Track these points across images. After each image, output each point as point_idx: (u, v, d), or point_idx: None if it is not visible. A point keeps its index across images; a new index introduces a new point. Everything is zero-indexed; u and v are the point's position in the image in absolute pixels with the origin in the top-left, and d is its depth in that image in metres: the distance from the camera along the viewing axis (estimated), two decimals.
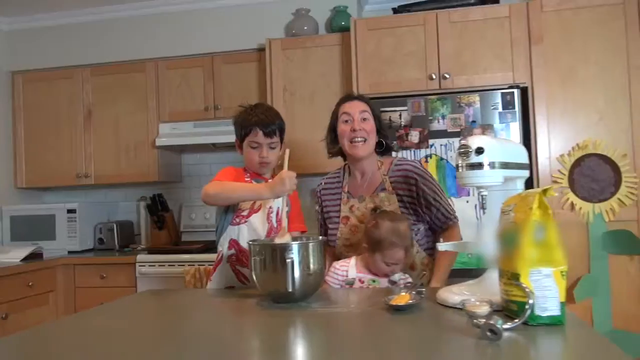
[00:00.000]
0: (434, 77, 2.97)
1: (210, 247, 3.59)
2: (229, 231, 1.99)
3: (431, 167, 2.83)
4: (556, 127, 2.84)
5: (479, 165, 1.49)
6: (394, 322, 1.35)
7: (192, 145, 3.89)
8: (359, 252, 1.96)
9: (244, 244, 1.97)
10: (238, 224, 1.98)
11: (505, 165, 1.51)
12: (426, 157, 2.86)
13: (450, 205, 2.04)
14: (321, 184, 2.21)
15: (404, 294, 1.49)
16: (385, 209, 1.93)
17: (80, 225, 3.79)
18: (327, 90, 3.28)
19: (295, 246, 1.56)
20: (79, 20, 3.89)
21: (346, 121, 2.03)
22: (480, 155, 1.48)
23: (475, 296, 1.43)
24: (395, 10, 3.17)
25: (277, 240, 1.74)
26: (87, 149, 3.83)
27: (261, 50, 3.54)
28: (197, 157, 4.05)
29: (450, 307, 1.45)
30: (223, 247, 2.01)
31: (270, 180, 1.89)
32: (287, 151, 1.85)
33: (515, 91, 2.82)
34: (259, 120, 1.99)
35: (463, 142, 1.50)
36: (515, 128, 2.80)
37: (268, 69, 3.37)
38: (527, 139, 2.86)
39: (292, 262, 1.52)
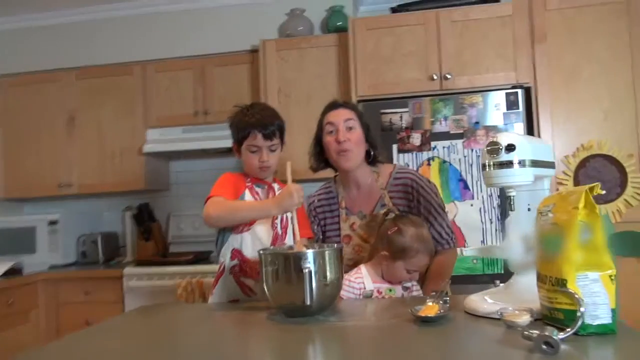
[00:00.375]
0: (435, 77, 2.87)
1: (201, 257, 3.45)
2: (231, 240, 1.85)
3: (434, 171, 2.73)
4: (560, 127, 2.77)
5: (509, 164, 1.39)
6: (425, 335, 1.23)
7: (181, 152, 3.74)
8: (366, 259, 1.84)
9: (248, 253, 1.83)
10: (241, 232, 1.83)
11: (535, 164, 1.41)
12: (428, 160, 2.76)
13: (448, 227, 1.90)
14: (314, 201, 2.04)
15: (430, 303, 1.37)
16: (403, 213, 1.81)
17: (62, 237, 3.61)
18: (323, 91, 3.17)
19: (311, 254, 1.44)
20: (63, 22, 3.73)
21: (331, 132, 1.89)
22: (511, 153, 1.38)
23: (510, 304, 1.32)
24: (394, 10, 3.07)
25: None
26: (70, 156, 3.66)
27: (254, 51, 3.42)
28: (186, 164, 3.89)
29: (482, 316, 1.34)
30: (225, 258, 1.86)
31: (276, 195, 1.77)
32: (289, 164, 1.73)
33: (520, 91, 2.74)
34: (257, 122, 1.84)
35: (492, 139, 1.39)
36: (519, 129, 2.72)
37: (262, 71, 3.25)
38: None
39: (310, 272, 1.39)
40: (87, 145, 3.64)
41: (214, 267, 3.11)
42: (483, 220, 2.68)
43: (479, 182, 2.70)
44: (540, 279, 1.23)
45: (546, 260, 1.21)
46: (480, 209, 2.68)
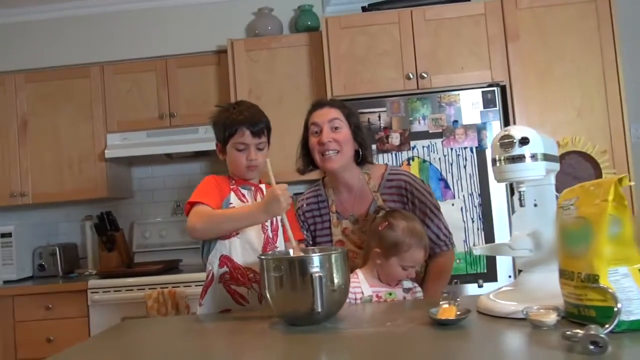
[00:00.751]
0: (411, 76, 2.84)
1: (171, 267, 3.29)
2: (219, 247, 1.73)
3: (414, 170, 2.69)
4: (536, 125, 2.75)
5: (521, 158, 1.35)
6: (449, 339, 1.17)
7: (144, 157, 3.57)
8: (360, 265, 1.77)
9: (238, 259, 1.72)
10: (229, 237, 1.72)
11: (546, 157, 1.38)
12: (408, 159, 2.73)
13: (445, 228, 1.86)
14: (302, 205, 1.95)
15: (446, 306, 1.31)
16: (394, 208, 1.74)
17: (16, 250, 3.36)
18: (296, 92, 3.09)
19: (319, 258, 1.35)
20: (8, 21, 3.48)
21: (315, 132, 1.82)
22: (523, 147, 1.34)
23: (523, 303, 1.28)
24: (365, 9, 3.03)
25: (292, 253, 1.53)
26: (23, 164, 3.41)
27: (220, 52, 3.30)
28: (149, 169, 3.72)
29: (500, 317, 1.29)
30: (213, 266, 1.74)
31: (260, 200, 1.66)
32: (268, 161, 1.63)
33: (497, 89, 2.74)
34: (245, 119, 1.74)
35: (505, 132, 1.35)
36: (497, 127, 2.73)
37: (231, 72, 3.13)
38: None
39: (320, 278, 1.31)
40: (41, 151, 3.41)
41: (185, 277, 3.00)
42: (465, 220, 2.67)
43: (459, 182, 2.68)
44: (566, 275, 1.19)
45: (572, 256, 1.17)
46: (461, 208, 2.67)
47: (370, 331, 1.28)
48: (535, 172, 1.36)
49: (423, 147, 2.72)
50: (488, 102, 2.73)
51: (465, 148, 2.71)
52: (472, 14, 2.86)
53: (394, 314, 1.44)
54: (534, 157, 1.35)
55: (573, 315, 1.17)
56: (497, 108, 2.74)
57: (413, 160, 2.72)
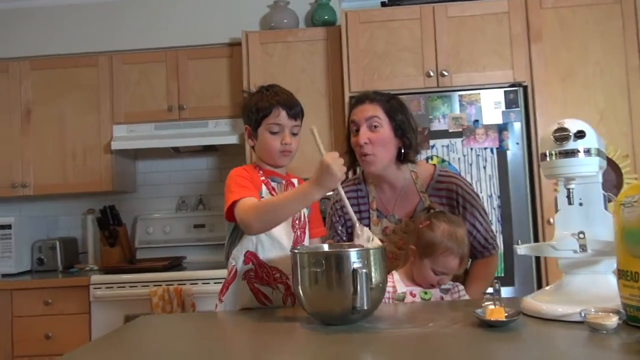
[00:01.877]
0: (431, 74, 2.77)
1: (176, 263, 3.19)
2: (245, 242, 1.62)
3: None
4: None
5: (574, 153, 1.28)
6: (502, 342, 1.09)
7: (150, 151, 3.49)
8: (400, 265, 1.69)
9: (264, 257, 1.61)
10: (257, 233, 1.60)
11: (598, 153, 1.31)
12: (427, 159, 2.65)
13: (492, 231, 1.79)
14: (339, 199, 1.84)
15: (492, 307, 1.24)
16: (442, 210, 1.66)
17: (16, 243, 3.25)
18: (311, 87, 3.01)
19: (358, 254, 1.27)
20: (13, 6, 3.38)
21: (355, 130, 1.73)
22: (578, 141, 1.27)
23: (578, 306, 1.21)
24: (384, 4, 2.96)
25: (359, 242, 1.43)
26: (26, 154, 3.31)
27: (233, 45, 3.22)
28: (154, 164, 3.62)
29: (550, 320, 1.21)
30: (237, 262, 1.63)
31: (312, 176, 1.42)
32: (314, 129, 1.48)
33: (519, 90, 2.68)
34: (282, 100, 1.63)
35: (559, 125, 1.27)
36: (518, 128, 2.66)
37: (245, 65, 3.05)
38: (529, 139, 2.72)
39: (364, 274, 1.22)
40: (45, 141, 3.31)
41: (192, 274, 2.91)
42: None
43: (478, 182, 2.61)
44: (628, 276, 1.11)
45: (636, 255, 1.10)
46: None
47: (414, 332, 1.20)
48: (589, 168, 1.29)
49: (442, 146, 2.65)
50: (510, 103, 2.67)
51: (485, 149, 2.64)
52: (495, 12, 2.79)
53: (434, 314, 1.36)
54: (587, 152, 1.28)
55: (635, 319, 1.10)
56: (520, 109, 2.67)
57: (432, 159, 2.65)
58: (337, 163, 1.36)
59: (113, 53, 3.32)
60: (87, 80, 3.31)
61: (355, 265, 1.23)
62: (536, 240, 2.65)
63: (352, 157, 1.78)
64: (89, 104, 3.30)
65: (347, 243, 1.63)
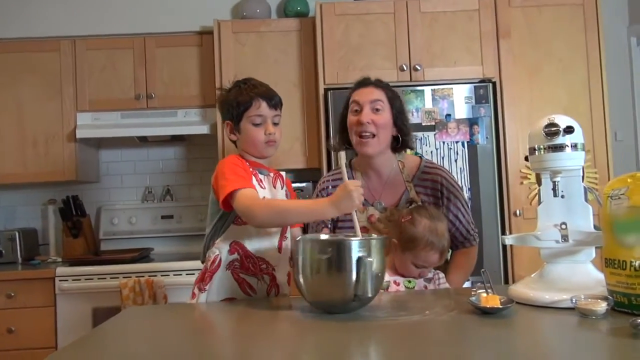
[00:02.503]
0: (404, 68, 2.82)
1: (144, 255, 3.14)
2: (231, 232, 1.63)
3: None
4: (524, 122, 2.83)
5: (562, 147, 1.34)
6: (499, 328, 1.14)
7: (114, 140, 3.40)
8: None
9: (251, 248, 1.62)
10: (244, 223, 1.60)
11: (583, 148, 1.38)
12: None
13: (473, 223, 1.85)
14: (328, 186, 1.87)
15: (485, 294, 1.29)
16: (423, 204, 1.70)
17: None
18: (283, 79, 3.00)
19: (360, 243, 1.30)
20: None
21: (356, 110, 1.76)
22: (565, 136, 1.33)
23: (560, 294, 1.28)
24: None
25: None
26: None
27: (204, 33, 3.17)
28: (118, 153, 3.53)
29: (541, 306, 1.28)
30: (221, 251, 1.63)
31: (331, 195, 1.47)
32: (343, 155, 1.51)
33: (489, 85, 2.76)
34: (260, 92, 1.66)
35: (549, 120, 1.33)
36: (488, 122, 2.75)
37: (217, 54, 3.01)
38: (497, 134, 2.81)
39: (369, 263, 1.25)
40: (3, 129, 3.16)
41: (163, 265, 2.87)
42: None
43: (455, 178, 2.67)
44: (615, 264, 1.18)
45: (623, 245, 1.17)
46: None
47: (412, 319, 1.24)
48: (575, 162, 1.36)
49: (416, 139, 2.69)
50: (480, 98, 2.75)
51: (457, 142, 2.72)
52: (466, 9, 2.87)
53: (429, 302, 1.41)
54: (575, 147, 1.35)
55: (622, 305, 1.17)
56: (489, 104, 2.76)
57: (405, 152, 2.69)
58: (358, 191, 1.41)
59: (76, 38, 3.20)
60: (49, 65, 3.18)
61: (361, 254, 1.26)
62: (503, 231, 2.75)
63: (344, 137, 1.81)
64: (51, 90, 3.18)
65: (345, 233, 1.65)
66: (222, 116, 1.73)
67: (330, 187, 1.86)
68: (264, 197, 1.60)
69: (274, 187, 1.69)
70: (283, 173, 1.75)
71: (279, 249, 1.66)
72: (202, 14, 3.17)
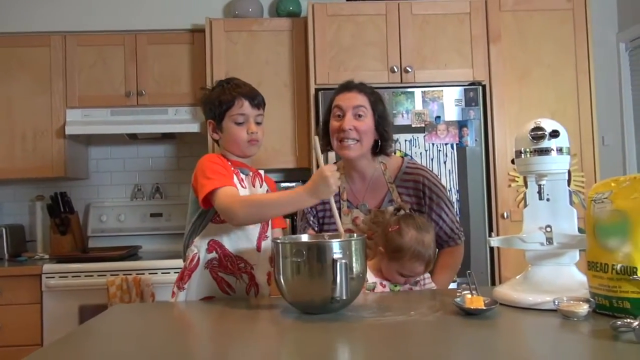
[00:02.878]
0: (395, 69, 2.84)
1: (132, 252, 3.13)
2: (209, 230, 1.63)
3: None
4: (513, 125, 2.85)
5: (547, 151, 1.36)
6: (483, 329, 1.15)
7: (104, 137, 3.39)
8: (370, 257, 1.73)
9: (229, 246, 1.63)
10: (222, 221, 1.61)
11: (569, 152, 1.40)
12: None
13: (457, 222, 1.85)
14: None
15: (470, 296, 1.30)
16: (411, 213, 1.71)
17: None
18: (275, 78, 3.01)
19: (340, 245, 1.30)
20: None
21: (338, 116, 1.76)
22: (551, 140, 1.35)
23: (544, 295, 1.29)
24: None
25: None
26: None
27: (195, 31, 3.17)
28: (108, 150, 3.51)
29: (524, 308, 1.29)
30: (200, 250, 1.63)
31: (307, 183, 1.44)
32: (317, 139, 1.52)
33: (479, 88, 2.78)
34: (243, 91, 1.66)
35: (536, 124, 1.35)
36: (477, 125, 2.77)
37: (208, 52, 3.01)
38: (486, 136, 2.83)
39: (345, 265, 1.25)
40: None
41: (150, 264, 2.86)
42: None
43: (439, 177, 2.69)
44: (597, 267, 1.20)
45: (605, 248, 1.18)
46: None
47: (397, 320, 1.25)
48: (560, 166, 1.38)
49: (405, 140, 2.72)
50: (470, 100, 2.77)
51: (446, 144, 2.73)
52: (457, 12, 2.88)
53: (414, 303, 1.41)
54: (560, 150, 1.36)
55: (603, 307, 1.18)
56: (479, 107, 2.77)
57: (395, 153, 2.70)
58: (334, 176, 1.39)
59: (67, 33, 3.18)
60: (39, 61, 3.16)
61: (336, 256, 1.26)
62: (490, 233, 2.77)
63: (326, 140, 1.82)
64: (41, 85, 3.16)
65: (328, 234, 1.66)
66: (205, 115, 1.74)
67: None
68: None
69: (253, 186, 1.69)
70: (262, 171, 1.76)
71: (258, 248, 1.66)
72: (194, 12, 3.16)
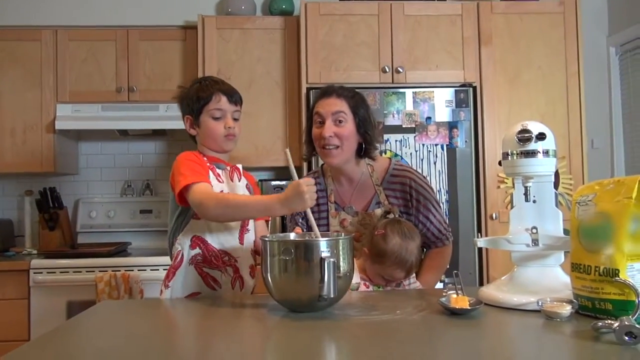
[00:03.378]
0: (387, 69, 2.85)
1: (121, 249, 3.12)
2: (192, 227, 1.64)
3: None
4: (503, 127, 2.87)
5: (534, 153, 1.37)
6: (467, 328, 1.17)
7: (94, 132, 3.38)
8: (356, 256, 1.74)
9: (212, 241, 1.64)
10: None
11: (555, 154, 1.41)
12: (381, 152, 2.72)
13: (445, 222, 1.86)
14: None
15: (455, 295, 1.31)
16: (399, 218, 1.71)
17: None
18: (266, 77, 3.01)
19: (328, 243, 1.31)
20: None
21: (319, 122, 1.76)
22: (538, 142, 1.36)
23: (529, 296, 1.31)
24: None
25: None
26: None
27: (187, 28, 3.16)
28: (98, 145, 3.50)
29: (508, 308, 1.30)
30: (183, 247, 1.64)
31: (282, 194, 1.46)
32: (287, 151, 1.50)
33: (469, 90, 2.80)
34: (220, 87, 1.69)
35: (523, 127, 1.36)
36: (467, 126, 2.78)
37: (200, 49, 3.00)
38: (477, 138, 2.85)
39: (332, 263, 1.26)
40: None
41: (139, 260, 2.85)
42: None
43: (429, 177, 2.71)
44: (580, 269, 1.21)
45: (588, 250, 1.20)
46: None
47: (383, 318, 1.26)
48: (546, 168, 1.39)
49: (396, 140, 2.74)
50: (460, 102, 2.79)
51: (436, 145, 2.75)
52: (449, 14, 2.90)
53: (400, 302, 1.42)
54: (546, 153, 1.38)
55: (586, 309, 1.20)
56: (469, 108, 2.79)
57: (385, 153, 2.73)
58: (310, 191, 1.40)
59: (58, 28, 3.17)
60: (29, 55, 3.14)
61: (324, 254, 1.27)
62: (479, 233, 2.79)
63: (311, 147, 1.82)
64: (31, 80, 3.14)
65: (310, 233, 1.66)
66: (182, 111, 1.74)
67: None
68: (222, 191, 1.62)
69: (232, 181, 1.70)
70: (239, 165, 1.76)
71: (240, 240, 1.67)
72: (187, 9, 3.16)
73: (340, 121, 1.74)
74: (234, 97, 1.69)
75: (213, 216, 1.53)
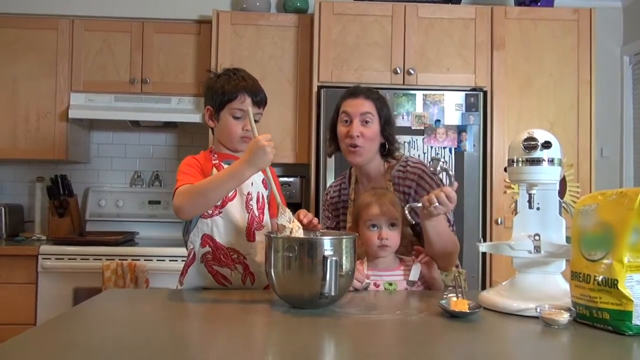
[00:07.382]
0: (398, 71, 2.86)
1: (129, 238, 3.16)
2: (201, 225, 1.66)
3: None
4: (512, 133, 2.87)
5: (539, 161, 1.38)
6: (465, 331, 1.18)
7: (106, 122, 3.42)
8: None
9: (220, 239, 1.65)
10: (211, 216, 1.64)
11: (560, 163, 1.42)
12: None
13: (452, 218, 1.86)
14: (330, 191, 1.98)
15: (455, 298, 1.33)
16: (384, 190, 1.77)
17: None
18: (279, 73, 3.03)
19: (331, 242, 1.33)
20: None
21: (346, 121, 1.80)
22: (543, 150, 1.38)
23: (529, 303, 1.32)
24: None
25: (280, 221, 1.47)
26: None
27: (202, 22, 3.19)
28: (110, 135, 3.54)
29: (507, 313, 1.32)
30: (194, 245, 1.66)
31: (244, 154, 1.47)
32: (250, 111, 1.53)
33: (480, 94, 2.81)
34: (248, 86, 1.67)
35: (529, 134, 1.37)
36: (476, 131, 2.79)
37: (214, 44, 3.03)
38: (485, 142, 2.86)
39: (335, 262, 1.28)
40: None
41: (146, 250, 2.89)
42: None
43: None
44: (580, 278, 1.22)
45: (588, 259, 1.21)
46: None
47: (382, 318, 1.28)
48: (551, 176, 1.40)
49: (405, 142, 2.75)
50: (470, 106, 2.79)
51: (444, 148, 2.76)
52: (463, 18, 2.90)
53: (401, 302, 1.44)
54: (551, 161, 1.39)
55: (584, 317, 1.21)
56: (479, 112, 2.80)
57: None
58: (270, 145, 1.43)
59: (75, 18, 3.21)
60: (46, 43, 3.18)
61: (327, 253, 1.29)
62: (484, 238, 2.79)
63: (335, 143, 1.86)
64: (47, 68, 3.18)
65: (323, 230, 1.68)
66: (205, 100, 1.74)
67: (332, 191, 1.97)
68: None
69: None
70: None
71: (250, 238, 1.67)
72: (202, 3, 3.18)
73: (367, 122, 1.77)
74: (258, 97, 1.68)
75: (187, 210, 1.52)
